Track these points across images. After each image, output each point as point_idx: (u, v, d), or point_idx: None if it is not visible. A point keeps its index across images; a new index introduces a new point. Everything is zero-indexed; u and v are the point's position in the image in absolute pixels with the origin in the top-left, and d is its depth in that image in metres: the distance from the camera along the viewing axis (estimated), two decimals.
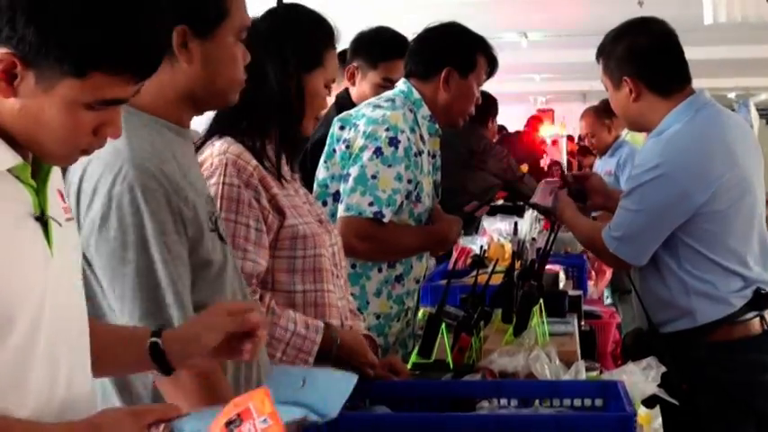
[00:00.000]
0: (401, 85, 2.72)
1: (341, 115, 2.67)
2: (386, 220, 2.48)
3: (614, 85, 2.62)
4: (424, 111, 2.66)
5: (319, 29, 2.07)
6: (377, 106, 2.62)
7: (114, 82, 1.16)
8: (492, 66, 2.74)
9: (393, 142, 2.52)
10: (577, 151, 15.92)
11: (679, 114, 2.53)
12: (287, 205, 1.94)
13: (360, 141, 2.52)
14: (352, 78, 3.27)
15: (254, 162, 1.91)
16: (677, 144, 2.49)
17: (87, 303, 1.31)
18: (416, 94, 2.66)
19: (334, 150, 2.60)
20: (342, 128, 2.62)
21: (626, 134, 6.11)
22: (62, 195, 1.29)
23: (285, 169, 2.00)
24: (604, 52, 2.64)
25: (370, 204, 2.47)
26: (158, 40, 1.21)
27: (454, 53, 2.66)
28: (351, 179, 2.50)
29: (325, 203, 2.57)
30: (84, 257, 1.45)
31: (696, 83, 2.62)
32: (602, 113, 5.62)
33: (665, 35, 2.60)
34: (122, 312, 1.47)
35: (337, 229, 2.25)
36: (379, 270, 2.60)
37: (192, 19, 1.56)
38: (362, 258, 2.54)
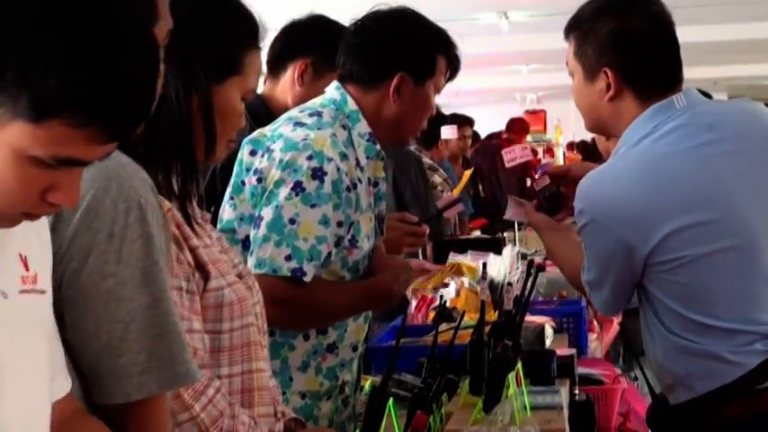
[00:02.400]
0: (332, 91, 2.70)
1: (252, 135, 2.64)
2: (307, 278, 2.47)
3: (587, 75, 2.56)
4: (362, 127, 2.64)
5: (238, 24, 2.06)
6: (298, 123, 2.60)
7: (76, 137, 1.14)
8: (453, 67, 2.76)
9: (317, 174, 2.50)
10: (582, 160, 16.11)
11: (631, 132, 2.50)
12: (208, 261, 1.91)
13: (275, 173, 2.51)
14: (300, 78, 3.31)
15: (167, 203, 1.87)
16: (603, 182, 2.48)
17: None
18: (353, 105, 2.65)
19: (243, 183, 2.58)
20: (252, 153, 2.60)
21: None
22: (25, 262, 1.31)
23: (195, 210, 1.98)
24: (580, 28, 2.57)
25: (288, 259, 2.46)
26: (141, 92, 1.18)
27: (409, 55, 2.66)
28: (263, 224, 2.48)
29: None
30: None
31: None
32: None
33: (662, 19, 2.56)
34: None
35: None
36: (306, 338, 2.60)
37: None
38: (280, 327, 2.52)
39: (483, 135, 11.52)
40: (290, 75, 3.35)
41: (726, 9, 10.70)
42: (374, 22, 2.70)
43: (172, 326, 1.56)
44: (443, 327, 3.00)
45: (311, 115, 2.63)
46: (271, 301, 2.32)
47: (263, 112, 3.12)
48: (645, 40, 2.53)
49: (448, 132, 6.88)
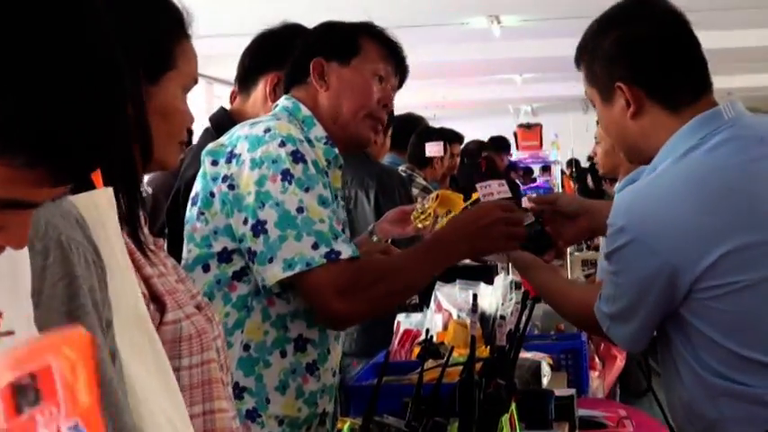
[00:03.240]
0: (283, 101, 2.83)
1: (209, 147, 2.70)
2: (344, 256, 2.54)
3: (603, 97, 2.57)
4: (318, 131, 2.76)
5: (160, 15, 2.05)
6: (254, 123, 2.69)
7: (21, 178, 1.09)
8: (390, 48, 2.85)
9: (297, 157, 2.58)
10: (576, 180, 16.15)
11: (675, 143, 2.47)
12: (163, 291, 1.91)
13: (251, 174, 2.56)
14: (273, 93, 3.34)
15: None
16: (647, 196, 2.44)
17: None
18: (306, 111, 2.77)
19: (212, 194, 2.62)
20: (214, 163, 2.64)
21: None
22: None
23: (146, 235, 1.96)
24: (586, 51, 2.59)
25: (315, 247, 2.52)
26: (101, 129, 1.13)
27: (323, 39, 2.83)
28: (271, 226, 2.53)
29: (206, 269, 2.60)
30: None
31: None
32: None
33: (670, 20, 2.55)
34: None
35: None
36: (283, 354, 2.63)
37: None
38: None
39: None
40: (261, 89, 3.39)
41: (742, 14, 10.77)
42: (304, 30, 2.97)
43: (102, 376, 1.53)
44: (430, 363, 3.01)
45: (267, 117, 2.75)
46: (335, 293, 2.51)
47: (228, 125, 3.13)
48: (653, 44, 2.51)
49: (433, 149, 6.83)
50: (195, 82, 2.12)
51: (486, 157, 10.55)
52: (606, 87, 2.56)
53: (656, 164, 2.50)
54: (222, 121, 3.28)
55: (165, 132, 2.02)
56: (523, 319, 2.51)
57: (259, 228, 2.55)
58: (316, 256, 2.52)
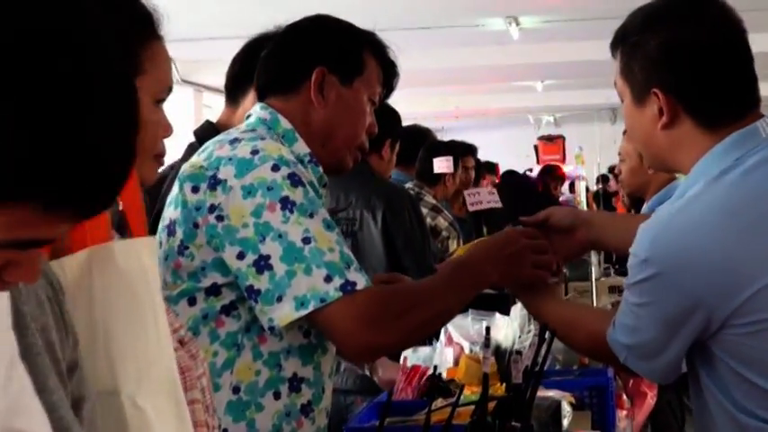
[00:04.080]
0: (258, 112, 2.77)
1: (186, 170, 2.64)
2: (360, 286, 2.50)
3: (636, 97, 2.55)
4: (300, 147, 2.72)
5: (122, 15, 1.96)
6: (235, 140, 2.63)
7: (41, 219, 1.15)
8: (388, 74, 2.84)
9: (295, 180, 2.54)
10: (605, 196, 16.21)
11: (708, 164, 2.46)
12: None
13: (245, 204, 2.52)
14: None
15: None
16: (675, 227, 2.42)
17: None
18: (286, 124, 2.72)
19: (196, 225, 2.58)
20: (195, 189, 2.59)
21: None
22: None
23: None
24: (627, 42, 2.56)
25: (328, 280, 2.48)
26: (120, 166, 1.20)
27: (329, 48, 2.76)
28: (276, 261, 2.49)
29: (192, 302, 2.59)
30: None
31: None
32: None
33: (727, 27, 2.52)
34: None
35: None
36: (276, 395, 2.62)
37: None
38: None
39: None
40: (250, 100, 3.39)
41: None
42: (287, 29, 2.84)
43: (57, 420, 1.53)
44: (439, 403, 3.02)
45: (243, 132, 2.68)
46: (365, 325, 2.49)
47: None
48: (703, 53, 2.48)
49: (442, 165, 6.83)
50: (169, 90, 2.11)
51: (544, 182, 10.67)
52: (641, 89, 2.53)
53: (686, 187, 2.48)
54: (208, 136, 3.26)
55: (137, 147, 2.02)
56: (542, 353, 2.49)
57: (262, 264, 2.50)
58: (330, 290, 2.48)
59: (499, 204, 6.96)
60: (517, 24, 11.52)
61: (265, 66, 2.82)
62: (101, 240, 1.70)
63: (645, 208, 5.69)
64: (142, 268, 1.69)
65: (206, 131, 3.45)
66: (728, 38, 2.51)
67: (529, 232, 2.81)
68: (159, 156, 2.10)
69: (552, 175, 13.13)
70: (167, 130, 2.07)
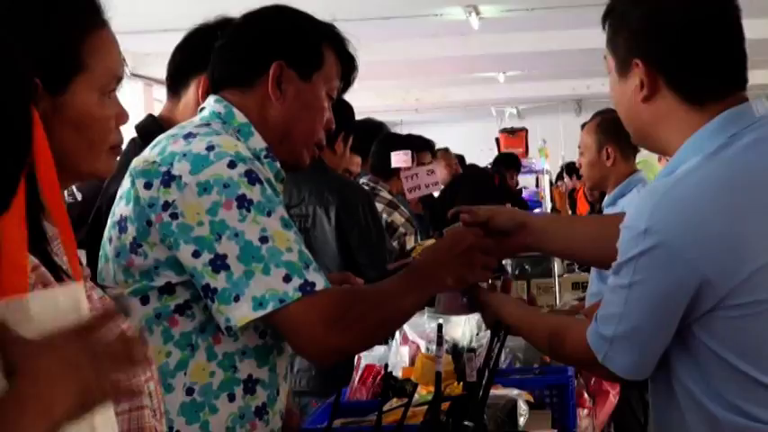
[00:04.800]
0: (212, 104, 2.76)
1: (137, 166, 2.63)
2: (319, 287, 2.52)
3: (619, 69, 2.59)
4: (257, 142, 2.72)
5: (55, 8, 2.00)
6: (189, 135, 2.63)
7: None
8: (347, 67, 2.85)
9: (252, 178, 2.54)
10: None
11: (702, 140, 2.48)
12: None
13: (200, 201, 2.53)
14: (204, 97, 3.34)
15: (33, 260, 1.81)
16: (676, 197, 2.42)
17: None
18: (241, 118, 2.72)
19: (149, 223, 2.58)
20: (148, 185, 2.59)
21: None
22: None
23: (64, 262, 1.93)
24: (614, 15, 2.60)
25: (287, 279, 2.50)
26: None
27: (287, 41, 2.75)
28: (232, 261, 2.50)
29: (145, 301, 2.58)
30: None
31: None
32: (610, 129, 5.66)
33: (717, 3, 2.55)
34: None
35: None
36: (231, 397, 2.63)
37: None
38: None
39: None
40: (193, 92, 3.41)
41: None
42: (243, 20, 2.83)
43: None
44: (394, 402, 3.03)
45: (198, 127, 2.68)
46: (325, 326, 2.51)
47: (157, 135, 3.10)
48: (686, 25, 2.51)
49: (400, 159, 6.79)
50: (119, 79, 2.09)
51: (500, 174, 10.65)
52: (624, 60, 2.57)
53: (677, 163, 2.49)
54: (151, 130, 3.24)
55: (85, 144, 2.02)
56: (495, 351, 2.50)
57: (219, 263, 2.51)
58: (289, 291, 2.50)
59: (439, 188, 6.85)
60: (477, 14, 11.51)
61: (220, 58, 2.81)
62: (18, 288, 1.60)
63: (606, 200, 5.72)
64: (56, 318, 1.58)
65: (148, 126, 3.44)
66: (714, 13, 2.53)
67: (474, 232, 2.82)
68: (115, 147, 2.10)
69: (506, 163, 12.95)
70: (121, 118, 2.07)
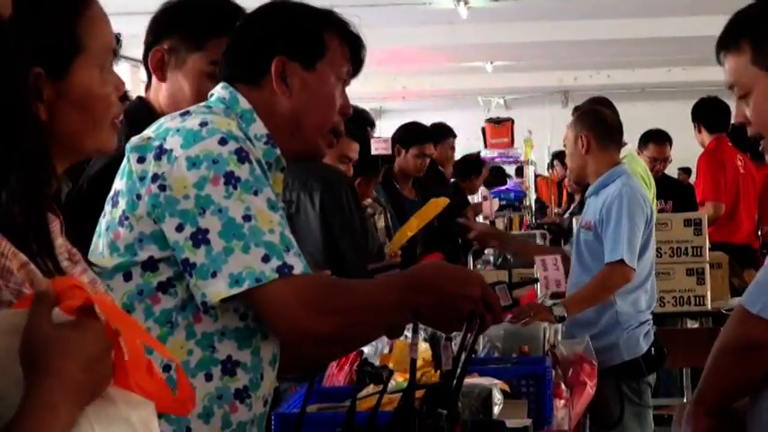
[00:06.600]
0: (219, 90, 2.80)
1: (133, 141, 2.66)
2: (297, 271, 2.53)
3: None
4: (258, 128, 2.74)
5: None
6: (185, 113, 2.67)
7: None
8: (354, 49, 2.86)
9: (242, 156, 2.56)
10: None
11: None
12: None
13: (189, 175, 2.55)
14: (158, 71, 3.37)
15: (22, 258, 1.78)
16: None
17: None
18: (245, 104, 2.74)
19: (139, 196, 2.60)
20: (141, 159, 2.62)
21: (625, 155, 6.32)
22: None
23: (60, 243, 1.96)
24: (757, 30, 2.48)
25: (265, 260, 2.51)
26: None
27: (285, 35, 2.78)
28: (214, 236, 2.52)
29: (128, 277, 2.60)
30: None
31: None
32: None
33: None
34: None
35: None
36: (208, 377, 2.64)
37: None
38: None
39: None
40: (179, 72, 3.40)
41: None
42: (244, 21, 2.88)
43: None
44: (370, 389, 3.04)
45: (198, 108, 2.72)
46: (303, 309, 2.51)
47: (145, 118, 3.08)
48: None
49: (380, 146, 6.76)
50: (115, 53, 2.14)
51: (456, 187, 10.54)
52: None
53: None
54: (139, 113, 3.24)
55: (91, 122, 2.07)
56: (469, 340, 2.51)
57: (200, 237, 2.53)
58: (267, 271, 2.51)
59: (388, 150, 6.80)
60: (466, 3, 11.50)
61: (226, 56, 2.85)
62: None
63: (589, 190, 5.76)
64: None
65: (136, 108, 3.41)
66: None
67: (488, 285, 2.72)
68: (115, 119, 2.14)
69: (463, 172, 11.44)
70: (120, 88, 2.11)
